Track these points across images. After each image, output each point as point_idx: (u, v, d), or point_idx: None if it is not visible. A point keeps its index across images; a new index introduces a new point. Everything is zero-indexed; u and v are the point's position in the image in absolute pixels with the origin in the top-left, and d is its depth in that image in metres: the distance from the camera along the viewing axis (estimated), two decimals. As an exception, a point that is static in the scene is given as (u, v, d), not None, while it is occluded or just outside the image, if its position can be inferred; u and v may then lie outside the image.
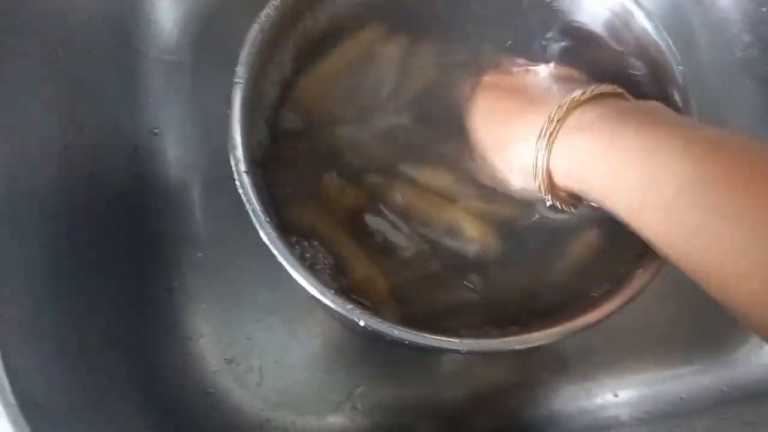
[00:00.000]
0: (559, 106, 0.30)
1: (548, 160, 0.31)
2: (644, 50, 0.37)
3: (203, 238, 0.47)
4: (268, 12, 0.36)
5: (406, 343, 0.31)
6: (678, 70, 0.36)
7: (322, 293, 0.31)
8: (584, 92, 0.31)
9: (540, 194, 0.33)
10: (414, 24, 0.41)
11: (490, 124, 0.36)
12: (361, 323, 0.31)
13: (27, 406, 0.30)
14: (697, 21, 0.53)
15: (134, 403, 0.41)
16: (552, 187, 0.32)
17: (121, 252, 0.43)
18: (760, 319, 0.24)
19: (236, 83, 0.34)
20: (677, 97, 0.36)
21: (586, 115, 0.30)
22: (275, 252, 0.32)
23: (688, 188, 0.25)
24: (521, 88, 0.36)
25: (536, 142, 0.31)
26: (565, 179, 0.32)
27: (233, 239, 0.46)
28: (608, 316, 0.32)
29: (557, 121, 0.30)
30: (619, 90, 0.32)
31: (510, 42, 0.41)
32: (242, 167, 0.33)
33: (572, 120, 0.30)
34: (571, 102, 0.30)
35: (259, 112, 0.38)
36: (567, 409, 0.44)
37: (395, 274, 0.38)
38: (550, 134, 0.30)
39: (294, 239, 0.36)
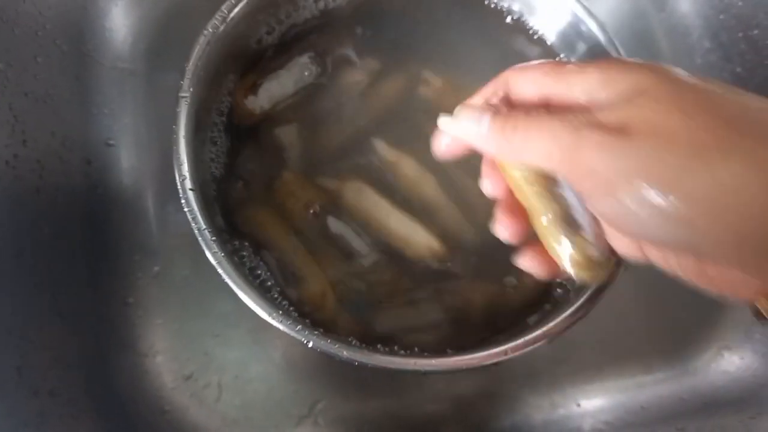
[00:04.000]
0: None
1: None
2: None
3: (159, 251, 0.46)
4: (214, 23, 0.35)
5: (356, 363, 0.30)
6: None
7: (269, 314, 0.30)
8: None
9: None
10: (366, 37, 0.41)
11: None
12: (310, 345, 0.30)
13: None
14: (659, 27, 0.53)
15: (87, 422, 0.39)
16: None
17: (73, 266, 0.42)
18: None
19: (182, 97, 0.34)
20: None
21: None
22: (221, 273, 0.31)
23: None
24: None
25: None
26: None
27: (190, 252, 0.45)
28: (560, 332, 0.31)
29: None
30: None
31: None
32: (188, 184, 0.32)
33: None
34: None
35: (209, 123, 0.37)
36: (531, 420, 0.44)
37: (351, 285, 0.37)
38: None
39: (244, 253, 0.35)
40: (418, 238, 0.36)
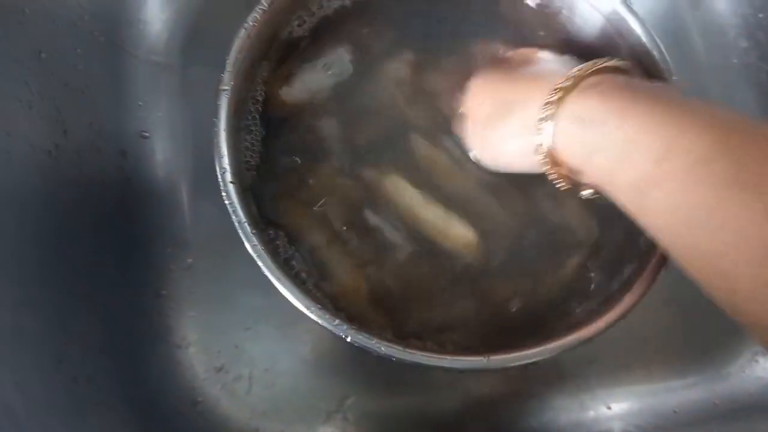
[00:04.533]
0: (567, 77, 0.29)
1: (554, 131, 0.29)
2: (637, 59, 0.36)
3: (192, 244, 0.46)
4: (255, 16, 0.35)
5: (393, 359, 0.30)
6: (673, 81, 0.36)
7: (307, 308, 0.30)
8: (594, 62, 0.30)
9: (541, 168, 0.31)
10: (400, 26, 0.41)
11: (491, 103, 0.35)
12: (348, 339, 0.30)
13: (5, 417, 0.29)
14: (694, 26, 0.52)
15: (120, 412, 0.40)
16: (554, 161, 0.30)
17: (108, 258, 0.43)
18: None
19: (223, 90, 0.34)
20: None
21: (595, 84, 0.29)
22: (261, 265, 0.31)
23: (706, 161, 0.23)
24: (520, 70, 0.35)
25: (541, 111, 0.29)
26: (569, 151, 0.29)
27: (223, 245, 0.45)
28: (598, 333, 0.31)
29: (565, 89, 0.29)
30: (623, 64, 0.31)
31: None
32: (228, 177, 0.32)
33: (582, 87, 0.29)
34: (581, 71, 0.29)
35: (245, 113, 0.37)
36: (560, 421, 0.44)
37: (385, 280, 0.37)
38: (558, 99, 0.29)
39: (278, 242, 0.35)
40: (454, 231, 0.36)
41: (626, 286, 0.33)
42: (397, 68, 0.40)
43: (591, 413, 0.44)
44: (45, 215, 0.38)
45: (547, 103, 0.29)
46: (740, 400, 0.44)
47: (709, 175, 0.22)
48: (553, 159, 0.30)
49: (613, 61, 0.30)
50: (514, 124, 0.33)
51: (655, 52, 0.35)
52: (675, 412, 0.44)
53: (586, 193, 0.30)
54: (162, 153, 0.47)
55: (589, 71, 0.29)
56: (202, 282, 0.45)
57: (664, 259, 0.33)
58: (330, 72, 0.40)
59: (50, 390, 0.34)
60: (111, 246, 0.43)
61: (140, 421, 0.41)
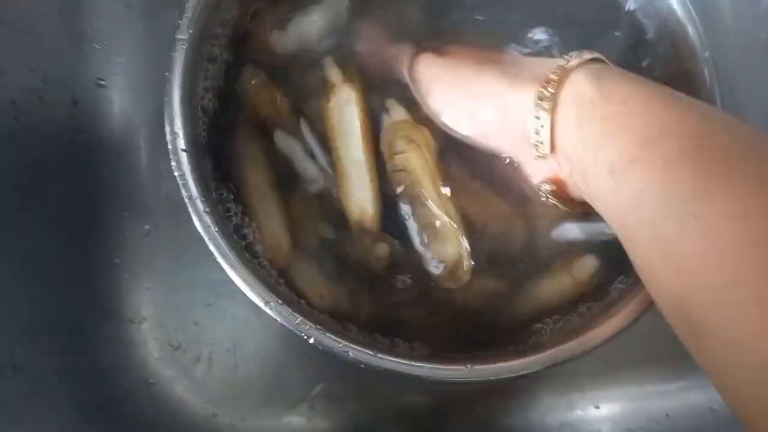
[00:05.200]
0: (559, 66, 0.27)
1: (552, 120, 0.27)
2: (669, 31, 0.31)
3: (151, 208, 0.41)
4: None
5: (362, 366, 0.26)
6: (704, 57, 0.31)
7: (266, 303, 0.26)
8: (579, 54, 0.28)
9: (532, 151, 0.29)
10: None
11: (461, 93, 0.32)
12: (311, 341, 0.26)
13: None
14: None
15: (66, 392, 0.36)
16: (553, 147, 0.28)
17: (51, 222, 0.38)
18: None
19: (179, 40, 0.28)
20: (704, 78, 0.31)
21: (594, 69, 0.27)
22: (213, 250, 0.27)
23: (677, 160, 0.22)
24: (491, 57, 0.32)
25: (535, 103, 0.27)
26: (565, 132, 0.27)
27: (185, 211, 0.40)
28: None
29: (564, 69, 0.27)
30: (602, 57, 0.29)
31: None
32: (180, 143, 0.28)
33: (581, 70, 0.27)
34: (578, 56, 0.27)
35: (205, 59, 0.32)
36: (546, 419, 0.41)
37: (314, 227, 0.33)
38: (553, 92, 0.26)
39: (230, 205, 0.30)
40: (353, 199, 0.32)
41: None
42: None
43: (579, 412, 0.41)
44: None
45: (541, 98, 0.27)
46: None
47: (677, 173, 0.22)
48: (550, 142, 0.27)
49: (593, 54, 0.28)
50: (495, 113, 0.30)
51: (689, 26, 0.30)
52: (668, 416, 0.41)
53: (546, 187, 0.30)
54: (120, 104, 0.42)
55: (583, 60, 0.27)
56: (161, 251, 0.41)
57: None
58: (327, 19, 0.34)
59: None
60: (55, 208, 0.38)
61: (87, 401, 0.37)
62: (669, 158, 0.22)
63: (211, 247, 0.27)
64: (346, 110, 0.31)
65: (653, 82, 0.26)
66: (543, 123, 0.27)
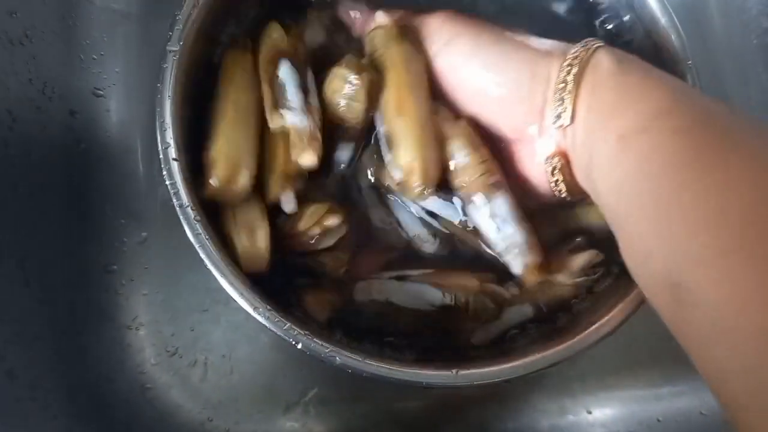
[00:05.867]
0: (585, 42, 0.28)
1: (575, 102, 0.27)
2: (652, 40, 0.32)
3: (148, 216, 0.42)
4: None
5: (349, 371, 0.27)
6: (687, 65, 0.31)
7: (256, 310, 0.27)
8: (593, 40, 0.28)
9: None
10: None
11: (483, 55, 0.30)
12: (299, 346, 0.27)
13: None
14: (713, 1, 0.47)
15: (64, 397, 0.37)
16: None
17: (50, 229, 0.39)
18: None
19: (170, 52, 0.29)
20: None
21: (609, 50, 0.27)
22: (204, 257, 0.27)
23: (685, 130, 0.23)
24: (509, 30, 0.31)
25: (563, 71, 0.27)
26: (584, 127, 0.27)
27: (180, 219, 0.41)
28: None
29: (585, 52, 0.27)
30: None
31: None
32: (171, 153, 0.28)
33: (600, 50, 0.27)
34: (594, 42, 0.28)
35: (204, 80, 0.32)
36: (538, 425, 0.41)
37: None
38: (581, 62, 0.27)
39: None
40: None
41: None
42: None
43: (571, 417, 0.42)
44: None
45: (561, 81, 0.27)
46: (730, 411, 0.41)
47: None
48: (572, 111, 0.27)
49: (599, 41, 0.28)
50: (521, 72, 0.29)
51: (672, 34, 0.31)
52: (659, 420, 0.41)
53: (555, 161, 0.29)
54: (117, 114, 0.43)
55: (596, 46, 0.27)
56: (157, 258, 0.41)
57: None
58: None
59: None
60: (53, 215, 0.39)
61: (84, 406, 0.37)
62: (677, 130, 0.23)
63: (202, 255, 0.27)
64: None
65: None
66: (569, 90, 0.26)
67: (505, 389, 0.42)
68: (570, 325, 0.30)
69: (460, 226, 0.31)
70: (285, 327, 0.27)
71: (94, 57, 0.42)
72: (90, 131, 0.42)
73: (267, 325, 0.27)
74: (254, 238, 0.28)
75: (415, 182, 0.28)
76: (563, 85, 0.27)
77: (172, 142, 0.28)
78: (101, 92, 0.42)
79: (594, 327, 0.29)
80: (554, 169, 0.29)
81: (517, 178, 0.31)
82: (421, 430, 0.41)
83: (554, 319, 0.31)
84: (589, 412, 0.42)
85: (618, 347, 0.42)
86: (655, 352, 0.42)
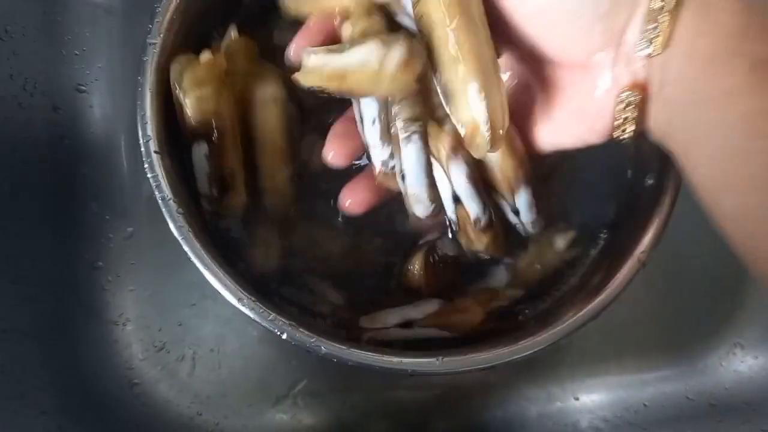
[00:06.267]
0: None
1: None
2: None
3: (133, 211, 0.42)
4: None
5: (334, 361, 0.27)
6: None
7: (239, 300, 0.27)
8: None
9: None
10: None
11: None
12: (284, 336, 0.27)
13: None
14: None
15: (50, 394, 0.37)
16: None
17: (34, 225, 0.39)
18: None
19: (150, 44, 0.29)
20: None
21: None
22: (187, 250, 0.27)
23: None
24: None
25: (649, 5, 0.22)
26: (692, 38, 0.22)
27: (167, 214, 0.41)
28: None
29: None
30: None
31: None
32: (152, 146, 0.28)
33: None
34: None
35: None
36: (526, 412, 0.41)
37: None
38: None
39: None
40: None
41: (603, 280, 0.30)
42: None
43: (558, 404, 0.42)
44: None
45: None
46: (716, 395, 0.42)
47: None
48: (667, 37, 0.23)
49: None
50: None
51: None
52: (645, 405, 0.42)
53: (630, 96, 0.24)
54: (100, 109, 0.42)
55: None
56: (144, 253, 0.41)
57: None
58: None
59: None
60: (38, 212, 0.39)
61: (71, 403, 0.37)
62: None
63: (185, 247, 0.27)
64: None
65: None
66: (669, 10, 0.22)
67: (493, 379, 0.42)
68: (556, 310, 0.30)
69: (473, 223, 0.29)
70: (270, 318, 0.27)
71: (77, 53, 0.42)
72: (73, 127, 0.41)
73: (252, 316, 0.27)
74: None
75: (482, 136, 0.24)
76: (661, 4, 0.22)
77: (153, 134, 0.28)
78: (84, 88, 0.42)
79: (579, 312, 0.29)
80: (626, 105, 0.24)
81: (565, 112, 0.27)
82: (410, 420, 0.42)
83: (540, 303, 0.31)
84: (577, 399, 0.42)
85: (603, 334, 0.42)
86: (640, 339, 0.43)
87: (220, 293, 0.40)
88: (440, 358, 0.28)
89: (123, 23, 0.43)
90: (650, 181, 0.32)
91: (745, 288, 0.43)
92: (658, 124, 0.24)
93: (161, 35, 0.29)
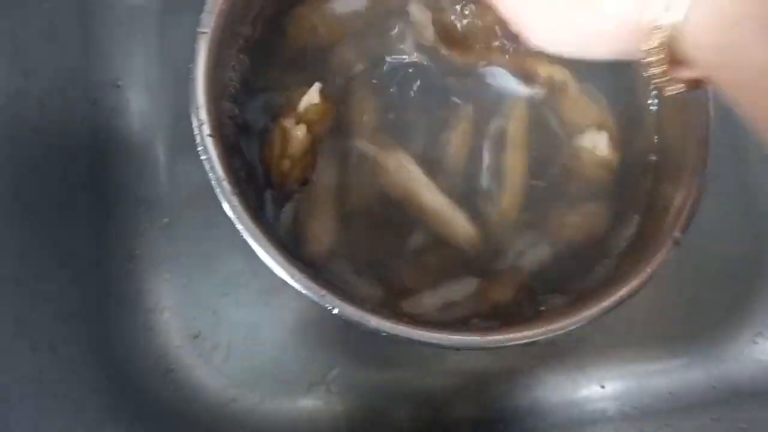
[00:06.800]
0: None
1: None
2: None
3: (169, 202, 0.43)
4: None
5: (384, 334, 0.28)
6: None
7: (291, 276, 0.28)
8: None
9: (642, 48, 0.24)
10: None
11: None
12: (335, 311, 0.28)
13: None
14: None
15: (90, 379, 0.37)
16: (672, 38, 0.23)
17: (76, 214, 0.40)
18: None
19: (201, 33, 0.30)
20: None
21: None
22: (240, 228, 0.28)
23: None
24: None
25: None
26: (708, 20, 0.22)
27: (202, 203, 0.42)
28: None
29: None
30: None
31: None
32: (206, 130, 0.29)
33: None
34: None
35: (229, 61, 0.34)
36: (552, 399, 0.42)
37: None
38: None
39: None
40: (456, 223, 0.33)
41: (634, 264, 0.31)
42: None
43: (584, 392, 0.43)
44: (5, 164, 0.34)
45: None
46: (739, 383, 0.43)
47: None
48: (673, 36, 0.22)
49: None
50: None
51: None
52: (671, 393, 0.43)
53: (675, 87, 0.25)
54: (137, 103, 0.44)
55: None
56: (179, 243, 0.42)
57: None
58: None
59: (18, 354, 0.31)
60: (80, 202, 0.40)
61: (110, 388, 0.38)
62: None
63: (239, 226, 0.28)
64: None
65: None
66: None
67: (519, 366, 0.43)
68: (593, 291, 0.31)
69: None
70: (321, 294, 0.28)
71: (114, 49, 0.43)
72: (111, 120, 0.43)
73: (304, 292, 0.28)
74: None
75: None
76: None
77: (205, 119, 0.29)
78: (120, 83, 0.43)
79: (615, 292, 0.30)
80: (663, 42, 0.23)
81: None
82: (437, 406, 0.42)
83: (577, 283, 0.32)
84: (602, 387, 0.43)
85: (628, 324, 0.43)
86: (664, 328, 0.44)
87: (253, 283, 0.42)
88: (483, 335, 0.29)
89: (157, 22, 0.45)
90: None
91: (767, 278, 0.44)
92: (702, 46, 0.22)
93: (211, 25, 0.30)
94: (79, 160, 0.40)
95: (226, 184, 0.28)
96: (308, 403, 0.41)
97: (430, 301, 0.32)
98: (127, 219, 0.42)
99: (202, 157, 0.29)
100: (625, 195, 0.35)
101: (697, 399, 0.42)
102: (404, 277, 0.34)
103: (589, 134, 0.35)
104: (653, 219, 0.33)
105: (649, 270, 0.29)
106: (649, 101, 0.36)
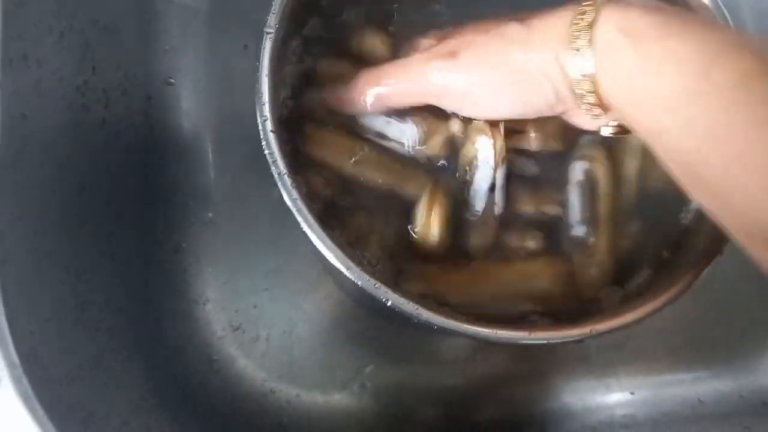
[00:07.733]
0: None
1: (595, 51, 0.25)
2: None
3: (215, 197, 0.44)
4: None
5: (435, 327, 0.29)
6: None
7: (348, 268, 0.29)
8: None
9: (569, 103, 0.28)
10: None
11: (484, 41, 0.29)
12: (389, 303, 0.29)
13: (30, 366, 0.28)
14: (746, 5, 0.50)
15: (137, 366, 0.39)
16: (593, 89, 0.26)
17: (127, 206, 0.41)
18: None
19: (267, 33, 0.32)
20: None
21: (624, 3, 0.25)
22: (301, 221, 0.29)
23: (750, 78, 0.22)
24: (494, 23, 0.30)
25: (572, 34, 0.26)
26: (609, 72, 0.26)
27: (246, 200, 0.44)
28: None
29: (595, 6, 0.25)
30: None
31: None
32: (269, 126, 0.30)
33: (612, 5, 0.25)
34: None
35: (287, 64, 0.35)
36: (582, 403, 0.43)
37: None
38: (593, 17, 0.25)
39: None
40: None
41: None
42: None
43: (614, 397, 0.43)
44: (70, 156, 0.36)
45: (577, 22, 0.25)
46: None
47: (752, 93, 0.22)
48: (591, 87, 0.26)
49: None
50: (527, 58, 0.28)
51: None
52: (700, 401, 0.43)
53: (607, 129, 0.28)
54: (187, 101, 0.45)
55: None
56: (223, 238, 0.44)
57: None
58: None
59: (71, 338, 0.32)
60: (133, 195, 0.42)
61: (155, 376, 0.39)
62: (730, 86, 0.22)
63: (299, 218, 0.29)
64: None
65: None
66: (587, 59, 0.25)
67: (550, 369, 0.44)
68: (635, 297, 0.32)
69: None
70: (375, 285, 0.29)
71: (167, 48, 0.45)
72: (163, 117, 0.44)
73: (359, 283, 0.29)
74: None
75: None
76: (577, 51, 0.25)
77: (269, 115, 0.31)
78: (172, 81, 0.45)
79: (659, 296, 0.31)
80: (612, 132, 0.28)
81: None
82: (463, 407, 0.43)
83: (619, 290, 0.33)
84: (632, 393, 0.43)
85: (658, 333, 0.44)
86: (694, 337, 0.45)
87: (292, 280, 0.43)
88: (530, 331, 0.30)
89: (207, 23, 0.46)
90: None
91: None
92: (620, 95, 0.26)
93: (276, 25, 0.32)
94: (135, 155, 0.42)
95: (286, 177, 0.30)
96: (342, 399, 0.42)
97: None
98: (174, 212, 0.44)
99: (266, 151, 0.30)
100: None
101: (727, 408, 0.43)
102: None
103: None
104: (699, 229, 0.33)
105: (690, 277, 0.30)
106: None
